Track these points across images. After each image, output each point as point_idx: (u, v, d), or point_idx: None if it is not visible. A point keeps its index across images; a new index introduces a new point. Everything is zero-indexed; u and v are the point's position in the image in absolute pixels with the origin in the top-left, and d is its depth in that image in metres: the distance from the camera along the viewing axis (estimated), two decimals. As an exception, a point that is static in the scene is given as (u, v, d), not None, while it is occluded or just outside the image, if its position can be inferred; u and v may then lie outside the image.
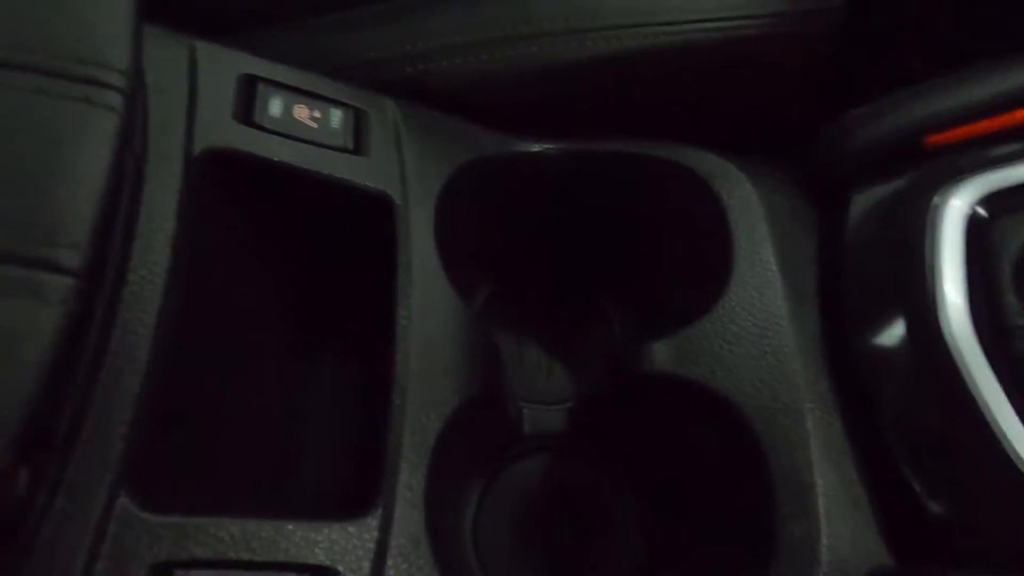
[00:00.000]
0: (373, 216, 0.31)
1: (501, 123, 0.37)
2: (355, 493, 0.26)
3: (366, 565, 0.24)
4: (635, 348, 0.32)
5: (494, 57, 0.37)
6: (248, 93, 0.29)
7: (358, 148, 0.31)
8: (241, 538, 0.23)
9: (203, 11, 0.36)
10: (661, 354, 0.31)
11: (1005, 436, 0.26)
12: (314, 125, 0.30)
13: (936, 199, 0.29)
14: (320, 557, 0.24)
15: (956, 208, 0.29)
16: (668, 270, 0.36)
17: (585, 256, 0.41)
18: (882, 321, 0.30)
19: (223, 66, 0.29)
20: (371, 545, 0.24)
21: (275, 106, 0.29)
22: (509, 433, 0.38)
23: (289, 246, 0.31)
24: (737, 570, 0.30)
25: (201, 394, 0.26)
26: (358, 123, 0.32)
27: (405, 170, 0.31)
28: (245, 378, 0.29)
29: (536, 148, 0.37)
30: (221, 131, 0.28)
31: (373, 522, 0.25)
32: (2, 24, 0.17)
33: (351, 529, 0.24)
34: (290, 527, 0.23)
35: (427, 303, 0.29)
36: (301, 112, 0.30)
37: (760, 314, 0.30)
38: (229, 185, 0.28)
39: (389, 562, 0.24)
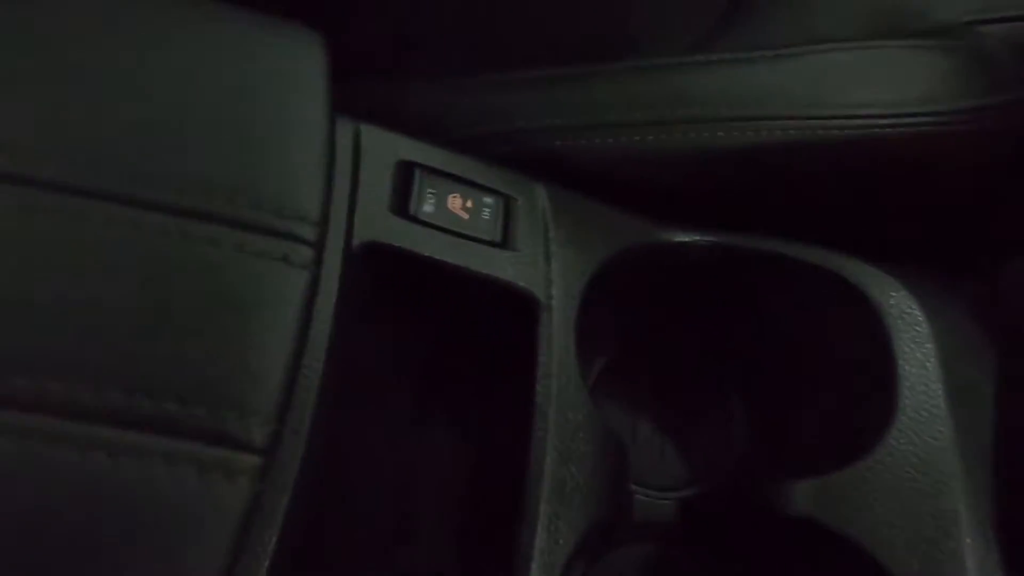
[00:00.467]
0: (517, 313, 0.30)
1: (644, 207, 0.36)
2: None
3: None
4: (767, 483, 0.30)
5: (645, 139, 0.36)
6: (405, 182, 0.29)
7: (506, 241, 0.30)
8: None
9: (353, 56, 0.36)
10: (802, 495, 0.29)
11: None
12: (466, 216, 0.30)
13: None
14: None
15: None
16: (814, 392, 0.34)
17: (715, 348, 0.39)
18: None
19: (383, 152, 0.29)
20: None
21: (430, 196, 0.29)
22: (617, 518, 0.36)
23: (427, 335, 0.31)
24: None
25: (334, 482, 0.26)
26: (507, 212, 0.31)
27: (551, 266, 0.30)
28: (369, 475, 0.29)
29: (683, 238, 0.35)
30: (378, 224, 0.27)
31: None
32: (203, 171, 0.17)
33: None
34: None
35: (564, 415, 0.28)
36: (455, 202, 0.30)
37: (924, 469, 0.28)
38: (379, 277, 0.28)
39: None
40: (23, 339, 0.14)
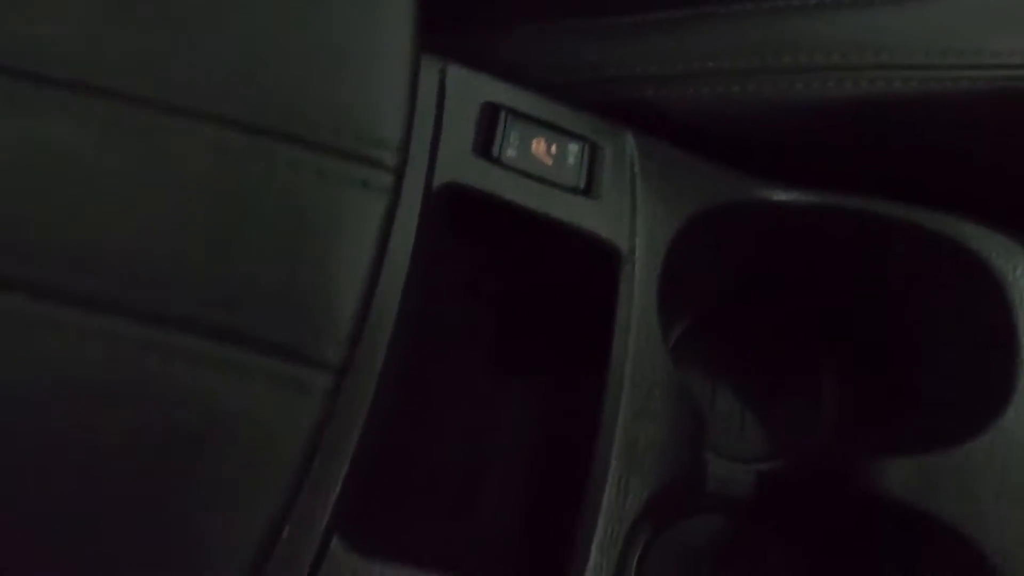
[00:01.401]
0: (597, 266, 0.29)
1: (741, 161, 0.34)
2: (542, 563, 0.25)
3: None
4: (860, 461, 0.28)
5: (746, 89, 0.33)
6: (490, 124, 0.28)
7: (590, 189, 0.29)
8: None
9: (444, 8, 0.35)
10: (898, 475, 0.27)
11: None
12: (549, 162, 0.29)
13: None
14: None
15: None
16: (919, 369, 0.31)
17: (809, 315, 0.36)
18: None
19: (469, 93, 0.28)
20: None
21: (514, 139, 0.28)
22: (690, 486, 0.35)
23: (503, 283, 0.30)
24: None
25: (404, 433, 0.26)
26: (593, 160, 0.30)
27: (636, 218, 0.29)
28: (438, 422, 0.29)
29: (781, 196, 0.33)
30: (460, 165, 0.27)
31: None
32: (287, 93, 0.17)
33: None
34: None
35: (641, 372, 0.27)
36: (539, 147, 0.29)
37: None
38: (457, 220, 0.27)
39: None
40: (107, 245, 0.14)
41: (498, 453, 0.30)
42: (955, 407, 0.28)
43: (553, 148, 0.29)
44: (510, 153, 0.28)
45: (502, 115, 0.28)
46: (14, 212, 0.14)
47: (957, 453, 0.26)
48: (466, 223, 0.28)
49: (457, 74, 0.28)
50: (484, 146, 0.28)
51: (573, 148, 0.29)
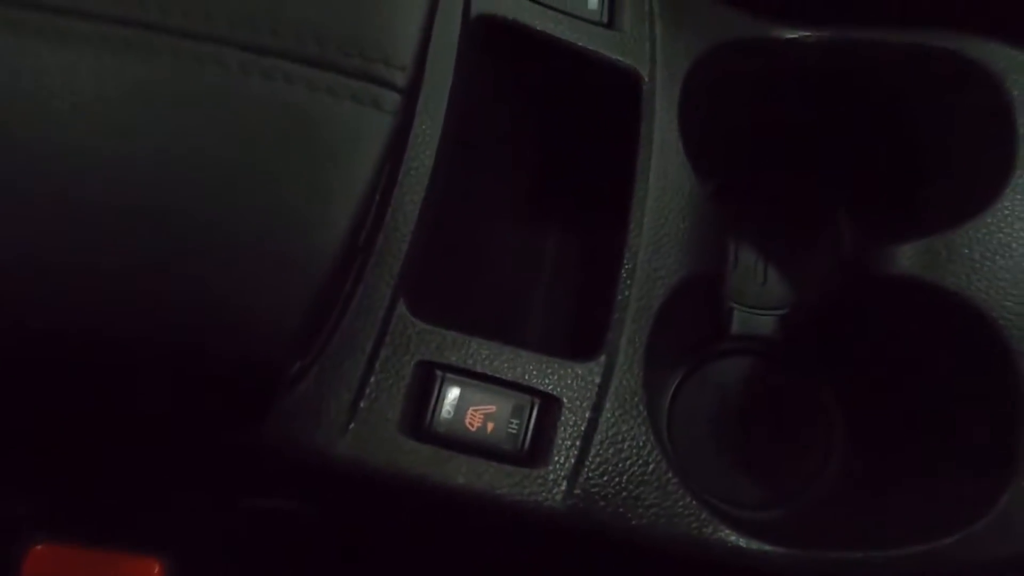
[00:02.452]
0: (620, 90, 0.32)
1: (759, 4, 0.36)
2: (582, 338, 0.28)
3: (587, 403, 0.27)
4: (875, 250, 0.31)
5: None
6: (520, -36, 0.31)
7: (612, 22, 0.32)
8: (487, 356, 0.26)
9: None
10: (907, 257, 0.29)
11: None
12: (575, -2, 0.32)
13: None
14: (549, 387, 0.27)
15: None
16: (927, 169, 0.34)
17: (827, 152, 0.39)
18: None
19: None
20: (594, 386, 0.27)
21: (543, -24, 0.31)
22: (716, 329, 0.38)
23: (537, 111, 0.33)
24: (962, 487, 0.28)
25: (452, 232, 0.30)
26: (614, -2, 0.32)
27: (656, 48, 0.32)
28: (488, 225, 0.32)
29: (792, 35, 0.35)
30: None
31: (597, 367, 0.27)
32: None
33: (578, 369, 0.27)
34: (526, 356, 0.27)
35: (664, 177, 0.30)
36: (565, -17, 0.31)
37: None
38: (493, 48, 0.31)
39: (607, 404, 0.27)
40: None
41: (541, 251, 0.33)
42: (958, 196, 0.31)
43: (577, -17, 0.32)
44: (541, -16, 0.31)
45: (530, -43, 0.31)
46: None
47: (961, 231, 0.29)
48: (499, 54, 0.31)
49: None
50: (514, -18, 0.31)
51: (597, -14, 0.32)
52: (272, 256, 0.18)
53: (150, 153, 0.18)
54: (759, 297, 0.39)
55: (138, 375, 0.20)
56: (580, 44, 0.31)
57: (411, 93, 0.19)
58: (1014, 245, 0.28)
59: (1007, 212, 0.28)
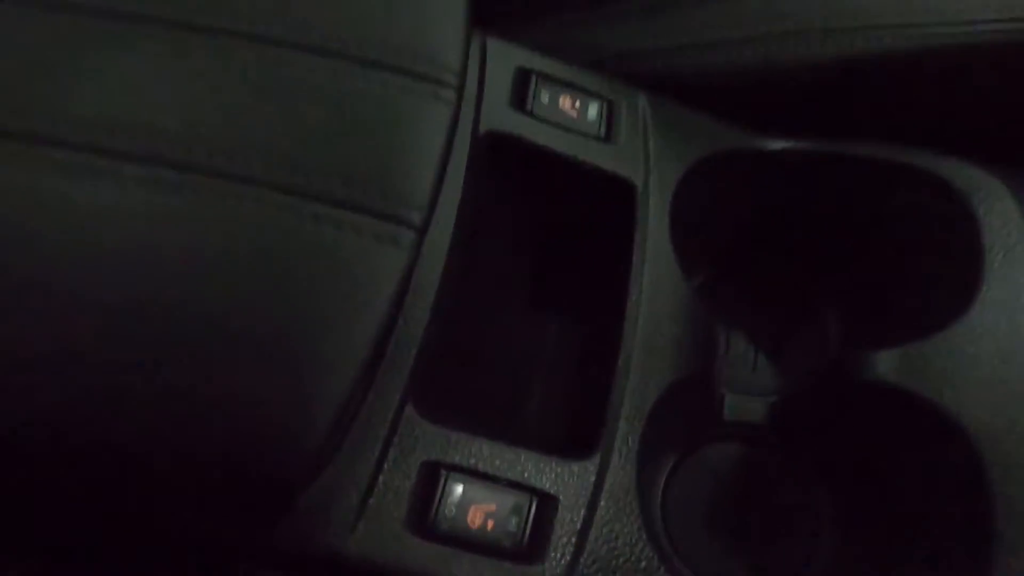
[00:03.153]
0: (616, 198, 0.34)
1: (745, 118, 0.39)
2: (578, 436, 0.30)
3: (582, 501, 0.28)
4: (856, 354, 0.33)
5: (742, 54, 0.39)
6: (523, 84, 0.34)
7: (609, 137, 0.34)
8: (489, 455, 0.28)
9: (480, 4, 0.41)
10: (885, 364, 0.31)
11: None
12: (574, 115, 0.34)
13: None
14: (546, 485, 0.28)
15: None
16: (903, 279, 0.36)
17: (811, 254, 0.41)
18: None
19: (506, 60, 0.34)
20: (589, 484, 0.28)
21: (544, 96, 0.34)
22: (708, 416, 0.40)
23: (538, 215, 0.36)
24: None
25: (458, 333, 0.32)
26: (611, 113, 0.35)
27: (649, 159, 0.34)
28: (488, 323, 0.34)
29: (777, 146, 0.38)
30: (500, 117, 0.32)
31: (592, 466, 0.29)
32: (358, 22, 0.23)
33: (574, 468, 0.28)
34: (525, 455, 0.28)
35: (656, 282, 0.32)
36: (565, 102, 0.34)
37: (1005, 338, 0.29)
38: (499, 162, 0.33)
39: (601, 502, 0.28)
40: (263, 141, 0.20)
41: (540, 351, 0.35)
42: (930, 307, 0.33)
43: (577, 104, 0.34)
44: (541, 107, 0.34)
45: (533, 77, 0.34)
46: (212, 121, 0.20)
47: (934, 340, 0.31)
48: (504, 167, 0.33)
49: (496, 44, 0.34)
50: (519, 102, 0.33)
51: (594, 104, 0.35)
52: (297, 377, 0.20)
53: (192, 278, 0.20)
54: (750, 383, 0.41)
55: (164, 478, 0.22)
56: (579, 157, 0.33)
57: (425, 228, 0.22)
58: (983, 357, 0.30)
59: (975, 325, 0.30)
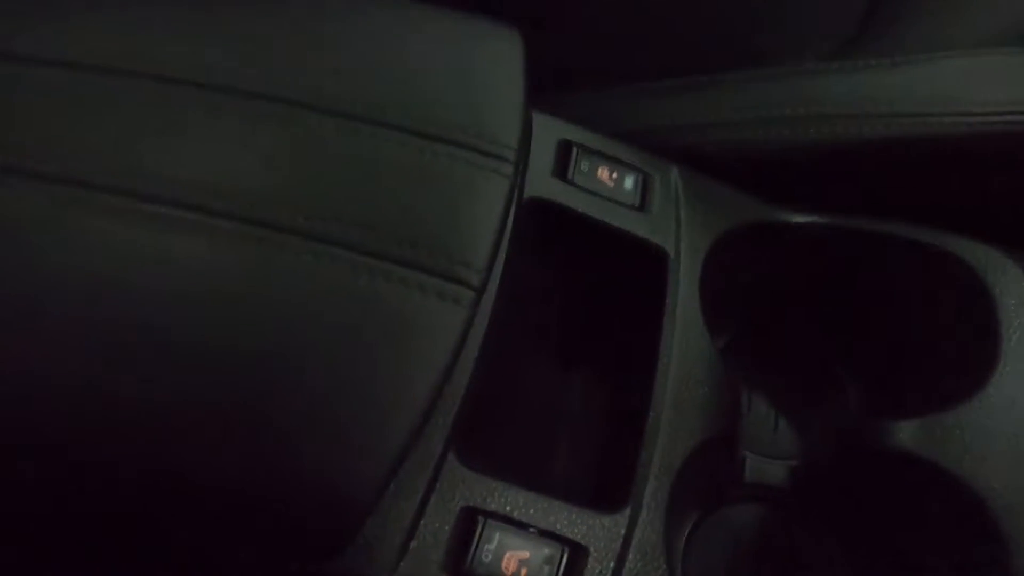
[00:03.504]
0: (649, 264, 0.36)
1: (766, 190, 0.41)
2: (609, 489, 0.31)
3: (612, 553, 0.29)
4: (876, 422, 0.34)
5: (769, 134, 0.41)
6: (565, 155, 0.36)
7: (643, 206, 0.37)
8: (524, 504, 0.29)
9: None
10: (905, 433, 0.33)
11: None
12: (611, 184, 0.37)
13: None
14: (578, 536, 0.29)
15: None
16: (922, 352, 0.37)
17: (832, 322, 0.43)
18: None
19: (549, 132, 0.37)
20: (618, 537, 0.29)
21: (584, 166, 0.36)
22: (730, 476, 0.41)
23: (575, 279, 0.38)
24: None
25: (495, 386, 0.33)
26: (645, 184, 0.37)
27: (680, 228, 0.37)
28: (525, 376, 0.36)
29: (802, 219, 0.40)
30: (543, 184, 0.35)
31: (622, 519, 0.30)
32: (422, 104, 0.25)
33: (605, 520, 0.30)
34: (559, 506, 0.29)
35: (685, 343, 0.34)
36: (603, 173, 0.37)
37: (1022, 414, 0.31)
38: (541, 226, 0.35)
39: (630, 555, 0.29)
40: (343, 206, 0.23)
41: (570, 405, 0.37)
42: (949, 380, 0.34)
43: (614, 175, 0.37)
44: (581, 177, 0.36)
45: (574, 149, 0.37)
46: (297, 185, 0.23)
47: (951, 414, 0.32)
48: (545, 230, 0.36)
49: (540, 118, 0.37)
50: (561, 171, 0.36)
51: (630, 176, 0.37)
52: (361, 424, 0.22)
53: (274, 328, 0.22)
54: (771, 445, 0.42)
55: (228, 515, 0.24)
56: (615, 224, 0.36)
57: (483, 289, 0.24)
58: (1002, 430, 0.31)
59: (994, 399, 0.32)
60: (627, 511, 0.30)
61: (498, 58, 0.28)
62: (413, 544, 0.27)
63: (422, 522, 0.28)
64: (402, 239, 0.23)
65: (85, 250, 0.22)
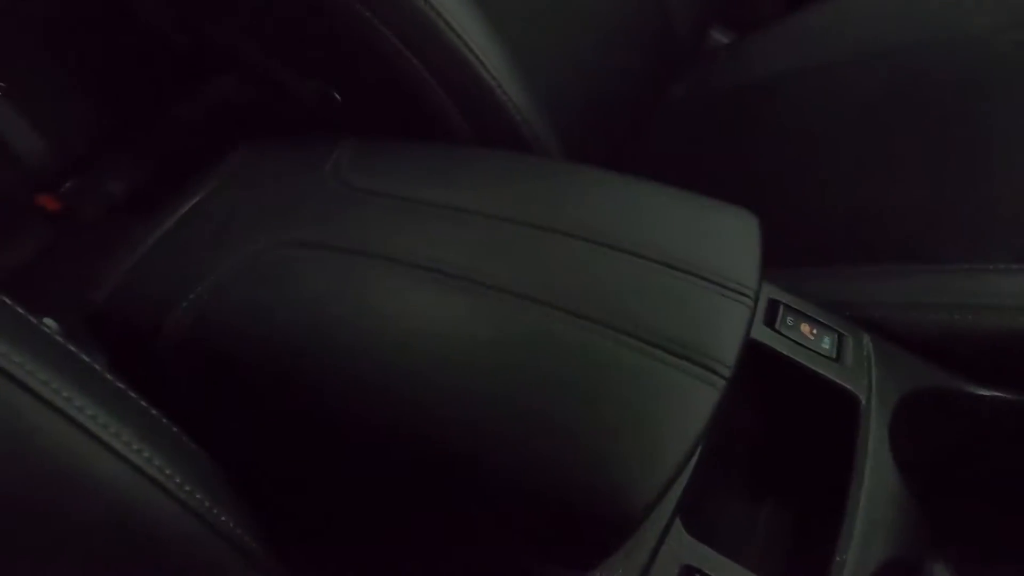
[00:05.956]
0: (843, 408, 0.43)
1: (949, 362, 0.47)
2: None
3: None
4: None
5: (952, 317, 0.48)
6: (774, 310, 0.45)
7: (839, 358, 0.44)
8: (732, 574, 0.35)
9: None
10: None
11: None
12: (812, 338, 0.45)
13: None
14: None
15: None
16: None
17: (1008, 493, 0.46)
18: None
19: (764, 291, 0.46)
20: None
21: (790, 320, 0.45)
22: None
23: (775, 411, 0.45)
24: None
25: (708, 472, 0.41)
26: (841, 342, 0.45)
27: (872, 381, 0.44)
28: (727, 481, 0.43)
29: (982, 392, 0.45)
30: (756, 329, 0.44)
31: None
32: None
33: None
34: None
35: (876, 481, 0.40)
36: (805, 328, 0.45)
37: None
38: (753, 364, 0.44)
39: None
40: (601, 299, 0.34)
41: (759, 521, 0.42)
42: None
43: (814, 331, 0.45)
44: (787, 328, 0.45)
45: (781, 306, 0.46)
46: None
47: None
48: (757, 368, 0.44)
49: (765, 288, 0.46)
50: (771, 321, 0.45)
51: (828, 334, 0.45)
52: (637, 461, 0.31)
53: (558, 395, 0.32)
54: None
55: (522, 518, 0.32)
56: (815, 369, 0.43)
57: (730, 382, 0.32)
58: None
59: None
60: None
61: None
62: (643, 583, 0.34)
63: (651, 571, 0.35)
64: (662, 330, 0.33)
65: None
